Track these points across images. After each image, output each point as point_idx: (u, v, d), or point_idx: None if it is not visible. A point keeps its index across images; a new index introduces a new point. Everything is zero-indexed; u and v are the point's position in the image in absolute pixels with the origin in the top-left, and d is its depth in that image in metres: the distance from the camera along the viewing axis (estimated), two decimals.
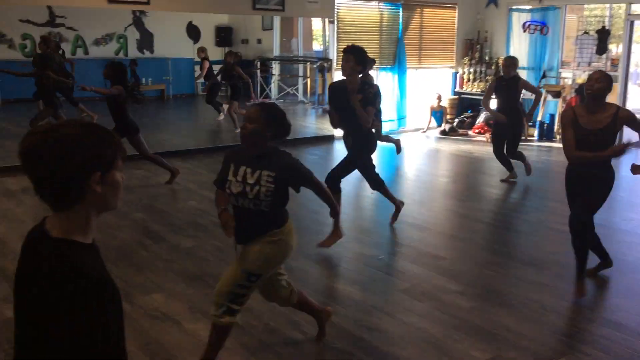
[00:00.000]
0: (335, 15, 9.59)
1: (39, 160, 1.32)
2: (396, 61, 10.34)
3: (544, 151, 9.45)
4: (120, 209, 5.03)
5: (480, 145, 9.83)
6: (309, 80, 14.52)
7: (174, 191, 6.43)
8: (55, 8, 13.26)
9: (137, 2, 8.59)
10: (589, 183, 4.08)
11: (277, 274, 3.11)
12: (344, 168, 5.10)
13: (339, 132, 10.09)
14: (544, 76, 10.26)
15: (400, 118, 10.64)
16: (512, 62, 6.97)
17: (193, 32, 15.07)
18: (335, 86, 5.02)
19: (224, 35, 15.89)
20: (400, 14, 10.24)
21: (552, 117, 10.17)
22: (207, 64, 12.20)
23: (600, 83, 3.90)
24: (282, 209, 3.04)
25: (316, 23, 15.61)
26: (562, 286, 4.19)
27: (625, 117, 4.00)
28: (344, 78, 4.71)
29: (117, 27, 14.35)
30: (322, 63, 13.70)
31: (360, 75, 4.77)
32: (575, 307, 3.87)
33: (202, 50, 12.22)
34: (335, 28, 9.69)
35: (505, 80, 7.00)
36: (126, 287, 3.94)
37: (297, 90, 14.70)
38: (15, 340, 1.48)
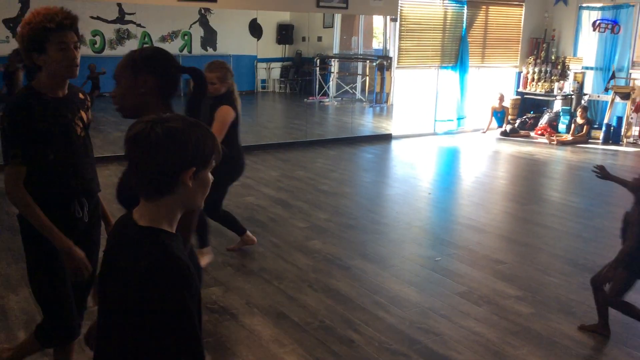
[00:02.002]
0: (399, 12, 9.52)
1: (144, 147, 1.37)
2: (458, 59, 10.16)
3: (609, 155, 9.09)
4: None
5: (541, 147, 9.55)
6: (367, 78, 14.47)
7: (232, 187, 6.53)
8: (125, 5, 13.72)
9: (205, 0, 8.80)
10: None
11: None
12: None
13: (396, 131, 10.09)
14: (613, 77, 9.86)
15: (460, 118, 10.46)
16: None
17: (256, 29, 15.29)
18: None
19: (284, 32, 16.04)
20: (465, 11, 10.06)
21: (620, 119, 9.76)
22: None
23: None
24: None
25: (377, 21, 15.53)
26: (627, 295, 4.03)
27: None
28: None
29: (182, 25, 14.72)
30: (382, 61, 13.64)
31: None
32: None
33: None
34: (398, 26, 9.61)
35: None
36: None
37: (355, 88, 14.68)
38: (99, 330, 1.53)
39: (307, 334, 3.43)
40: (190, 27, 14.85)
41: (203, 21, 14.96)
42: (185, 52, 14.83)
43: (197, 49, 15.05)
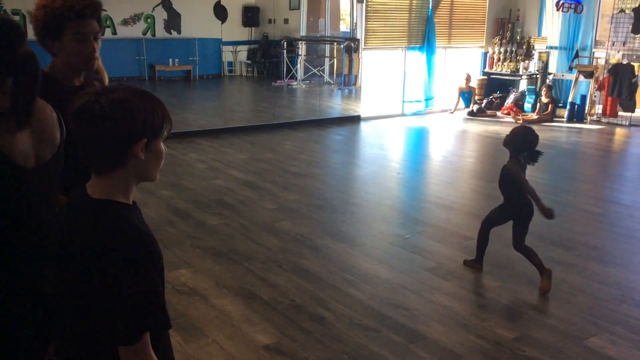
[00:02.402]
0: None
1: (89, 121, 1.32)
2: (425, 40, 10.18)
3: (574, 132, 9.26)
4: (147, 186, 5.06)
5: (508, 126, 9.64)
6: (335, 60, 14.42)
7: (199, 170, 6.47)
8: None
9: None
10: None
11: None
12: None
13: (365, 113, 10.09)
14: (576, 56, 10.01)
15: (428, 99, 10.51)
16: None
17: (220, 12, 15.06)
18: None
19: (250, 15, 15.85)
20: None
21: (584, 98, 9.94)
22: None
23: None
24: None
25: (344, 2, 15.46)
26: (591, 267, 4.13)
27: None
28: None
29: (145, 7, 14.42)
30: (349, 43, 13.59)
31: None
32: (604, 288, 3.80)
33: None
34: (364, 7, 9.57)
35: None
36: None
37: (323, 71, 14.62)
38: (59, 312, 1.49)
39: (278, 312, 3.42)
40: (153, 9, 14.55)
41: (166, 4, 14.67)
42: (148, 35, 14.56)
43: (160, 32, 14.77)
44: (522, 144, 3.94)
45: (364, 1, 9.53)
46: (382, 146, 8.33)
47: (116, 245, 1.30)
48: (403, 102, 10.35)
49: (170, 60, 14.67)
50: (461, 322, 3.36)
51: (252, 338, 3.14)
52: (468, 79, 10.55)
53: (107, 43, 10.67)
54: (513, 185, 3.91)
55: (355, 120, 9.90)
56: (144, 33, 14.53)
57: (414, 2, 10.00)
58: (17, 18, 12.90)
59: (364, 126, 9.59)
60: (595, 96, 9.86)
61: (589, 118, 9.86)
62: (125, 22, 14.24)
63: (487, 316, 3.44)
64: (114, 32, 14.09)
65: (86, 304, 1.36)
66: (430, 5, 10.09)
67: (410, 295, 3.67)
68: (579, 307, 3.56)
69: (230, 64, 15.99)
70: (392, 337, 3.18)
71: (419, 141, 9.13)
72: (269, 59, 15.87)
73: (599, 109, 9.97)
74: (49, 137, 1.74)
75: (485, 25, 10.97)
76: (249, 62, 16.24)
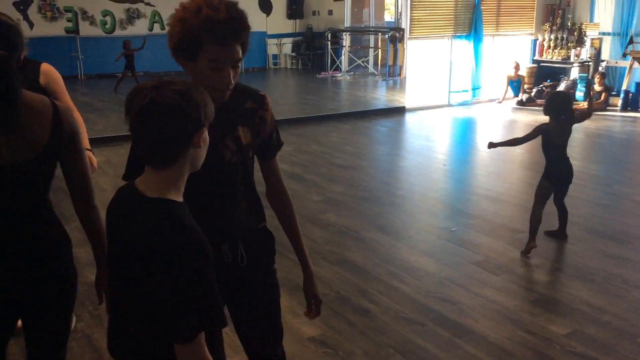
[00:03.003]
0: None
1: (161, 112, 1.33)
2: (472, 29, 9.98)
3: (628, 122, 8.92)
4: None
5: None
6: (380, 51, 14.30)
7: None
8: None
9: None
10: None
11: None
12: None
13: (410, 104, 9.98)
14: (630, 42, 9.63)
15: (475, 88, 10.31)
16: None
17: (265, 5, 15.14)
18: None
19: (295, 7, 15.87)
20: None
21: (638, 85, 9.55)
22: None
23: None
24: None
25: None
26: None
27: None
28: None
29: None
30: (394, 33, 13.46)
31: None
32: None
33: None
34: None
35: None
36: None
37: (367, 62, 14.53)
38: (115, 311, 1.54)
39: (323, 305, 3.41)
40: None
41: None
42: None
43: None
44: (560, 106, 4.09)
45: None
46: (427, 137, 8.22)
47: (174, 247, 1.31)
48: (449, 92, 10.18)
49: None
50: (510, 317, 3.29)
51: (297, 329, 3.16)
52: (517, 67, 10.29)
53: (156, 38, 11.00)
54: (548, 145, 4.16)
55: (401, 111, 9.80)
56: None
57: None
58: (69, 15, 13.32)
59: (409, 117, 9.49)
60: None
61: None
62: None
63: (538, 311, 3.36)
64: (162, 28, 14.36)
65: (144, 304, 1.38)
66: None
67: (457, 289, 3.61)
68: (634, 302, 3.44)
69: (275, 56, 16.08)
70: (438, 331, 3.15)
71: (465, 132, 8.97)
72: (314, 51, 15.89)
73: None
74: (30, 137, 1.68)
75: (535, 12, 10.67)
76: (293, 54, 16.30)
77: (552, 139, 4.09)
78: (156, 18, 14.26)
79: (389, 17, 16.24)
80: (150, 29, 14.07)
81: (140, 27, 13.92)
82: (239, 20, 1.64)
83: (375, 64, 14.50)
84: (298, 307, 3.38)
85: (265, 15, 14.89)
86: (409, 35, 9.68)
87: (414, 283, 3.70)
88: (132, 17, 14.01)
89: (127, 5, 13.82)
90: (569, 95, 4.27)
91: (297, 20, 15.97)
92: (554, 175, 4.13)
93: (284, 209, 2.07)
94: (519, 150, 7.47)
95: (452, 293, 3.57)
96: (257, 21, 14.82)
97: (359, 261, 4.01)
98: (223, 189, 1.80)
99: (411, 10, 9.48)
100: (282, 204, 2.05)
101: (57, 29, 13.16)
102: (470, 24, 9.97)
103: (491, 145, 4.26)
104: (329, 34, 14.86)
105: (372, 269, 3.89)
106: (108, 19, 13.80)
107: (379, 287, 3.63)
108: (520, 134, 8.43)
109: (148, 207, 1.37)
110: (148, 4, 14.09)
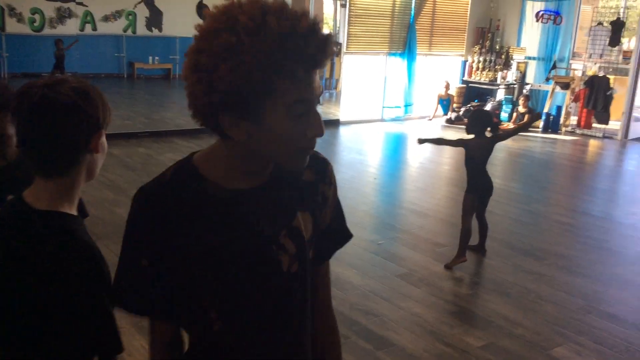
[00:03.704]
0: None
1: (55, 111, 1.19)
2: (406, 47, 10.25)
3: (548, 143, 9.39)
4: (119, 185, 5.02)
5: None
6: None
7: None
8: None
9: None
10: None
11: None
12: None
13: (344, 117, 10.11)
14: (554, 67, 10.18)
15: (408, 105, 10.58)
16: None
17: (203, 11, 15.00)
18: None
19: None
20: None
21: (559, 109, 10.09)
22: None
23: None
24: None
25: (328, 7, 15.49)
26: (560, 277, 4.19)
27: None
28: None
29: (126, 4, 14.29)
30: None
31: None
32: (572, 298, 3.86)
33: None
34: (347, 12, 9.61)
35: None
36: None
37: None
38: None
39: None
40: (135, 6, 14.44)
41: (148, 1, 14.57)
42: (129, 32, 14.44)
43: (142, 30, 14.67)
44: (480, 123, 4.29)
45: (347, 5, 9.57)
46: (360, 151, 8.36)
47: (66, 265, 1.19)
48: (383, 107, 10.40)
49: (150, 58, 14.58)
50: (429, 329, 3.38)
51: None
52: (447, 86, 10.64)
53: (86, 39, 10.68)
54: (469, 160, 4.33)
55: (335, 124, 9.91)
56: (125, 30, 14.39)
57: (397, 8, 10.08)
58: (36, 17, 12.75)
59: (343, 130, 9.62)
60: (570, 107, 10.02)
61: (563, 129, 10.01)
62: (106, 19, 14.09)
63: (456, 324, 3.47)
64: (94, 28, 13.95)
65: (29, 327, 1.23)
66: (413, 12, 10.17)
67: (381, 302, 3.68)
68: (546, 316, 3.61)
69: None
70: (360, 343, 3.19)
71: (396, 147, 9.18)
72: None
73: (574, 120, 10.12)
74: None
75: (466, 34, 11.08)
76: None
77: (473, 155, 4.27)
78: (88, 18, 13.84)
79: (327, 31, 16.45)
80: (82, 29, 13.64)
81: (70, 27, 13.47)
82: (323, 28, 1.02)
83: None
84: None
85: (202, 20, 14.72)
86: (346, 50, 9.84)
87: (340, 295, 3.73)
88: (63, 16, 13.54)
89: (58, 4, 13.33)
90: (488, 112, 4.47)
91: None
92: (476, 188, 4.31)
93: (331, 349, 1.33)
94: (445, 167, 7.73)
95: (376, 306, 3.63)
96: (194, 27, 14.64)
97: None
98: (282, 315, 1.12)
99: (349, 25, 9.65)
100: (330, 340, 1.33)
101: None
102: (404, 43, 10.24)
103: (420, 141, 4.48)
104: None
105: None
106: (37, 16, 13.27)
107: None
108: (450, 150, 8.74)
109: (36, 220, 1.21)
110: (80, 3, 13.66)
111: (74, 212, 1.29)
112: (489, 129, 4.30)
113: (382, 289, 3.87)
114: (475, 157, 4.26)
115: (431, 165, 7.69)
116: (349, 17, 9.62)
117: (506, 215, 5.61)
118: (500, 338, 3.32)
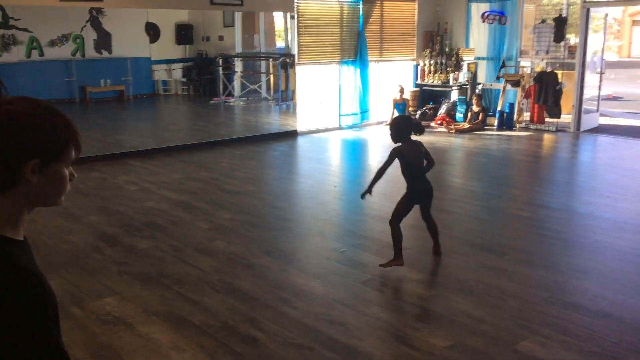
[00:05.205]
0: (295, 9, 9.52)
1: None
2: (357, 55, 10.31)
3: (504, 140, 9.54)
4: (73, 212, 4.86)
5: (441, 136, 9.87)
6: (272, 76, 14.39)
7: (130, 192, 6.28)
8: (8, 9, 12.86)
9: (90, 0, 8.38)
10: None
11: None
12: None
13: (302, 127, 10.08)
14: (503, 65, 10.36)
15: (364, 111, 10.62)
16: None
17: (152, 31, 14.81)
18: None
19: (184, 33, 15.64)
20: (361, 7, 10.21)
21: (512, 106, 10.27)
22: None
23: None
24: None
25: (278, 19, 15.50)
26: (521, 271, 4.21)
27: None
28: None
29: (73, 28, 14.00)
30: (285, 59, 13.61)
31: None
32: (534, 290, 3.88)
33: None
34: (296, 23, 9.61)
35: None
36: (77, 292, 3.81)
37: (260, 87, 14.57)
38: None
39: (209, 336, 3.31)
40: (82, 29, 14.15)
41: (95, 23, 14.28)
42: (78, 55, 14.13)
43: (91, 52, 14.36)
44: (404, 129, 4.28)
45: (295, 17, 9.57)
46: (319, 160, 8.33)
47: (6, 295, 1.13)
48: (340, 115, 10.42)
49: (102, 80, 14.30)
50: (394, 334, 3.34)
51: None
52: (401, 91, 10.72)
53: (34, 65, 10.35)
54: (407, 166, 4.35)
55: (293, 135, 9.88)
56: (74, 54, 14.07)
57: (345, 17, 10.13)
58: None
59: (301, 141, 9.59)
60: (522, 104, 10.21)
61: (517, 125, 10.18)
62: (52, 43, 13.76)
63: (420, 326, 3.44)
64: (41, 54, 13.60)
65: None
66: (361, 20, 10.24)
67: (345, 310, 3.63)
68: (510, 311, 3.61)
69: (164, 82, 15.73)
70: (326, 354, 3.13)
71: (355, 153, 9.19)
72: (205, 76, 15.71)
73: (527, 116, 10.32)
74: None
75: (416, 38, 11.20)
76: (184, 80, 16.02)
77: (409, 160, 4.26)
78: (34, 44, 13.49)
79: (281, 43, 16.44)
80: (28, 56, 13.29)
81: (17, 54, 13.11)
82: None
83: (268, 89, 14.57)
84: (182, 342, 3.25)
85: (148, 40, 14.56)
86: (297, 60, 9.83)
87: (303, 307, 3.67)
88: (7, 43, 13.17)
89: (1, 31, 12.98)
90: (406, 117, 4.53)
91: (188, 45, 15.75)
92: (416, 194, 4.33)
93: None
94: None
95: (340, 314, 3.58)
96: (144, 47, 14.46)
97: (248, 288, 3.93)
98: None
99: (298, 36, 9.65)
100: None
101: None
102: (355, 50, 10.29)
103: (363, 195, 4.37)
104: (220, 59, 14.77)
105: (261, 296, 3.82)
106: None
107: (268, 314, 3.57)
108: None
109: None
110: (25, 29, 13.32)
111: (18, 236, 1.24)
112: (412, 132, 4.28)
113: (346, 296, 3.82)
114: (412, 162, 4.25)
115: (390, 170, 7.67)
116: (298, 27, 9.64)
117: (465, 213, 5.64)
118: (466, 336, 3.30)
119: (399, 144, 4.26)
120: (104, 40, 14.54)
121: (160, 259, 4.44)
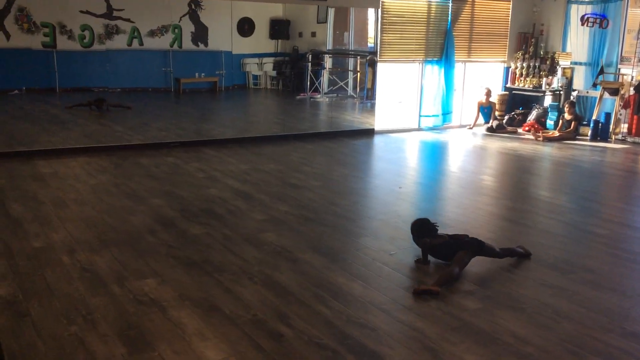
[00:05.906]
0: (380, 5, 9.35)
1: None
2: (443, 54, 9.97)
3: (596, 151, 8.88)
4: (140, 194, 5.06)
5: (528, 143, 9.35)
6: (358, 74, 14.29)
7: (197, 179, 6.40)
8: (112, 0, 13.62)
9: None
10: None
11: None
12: None
13: (380, 126, 9.91)
14: (601, 72, 9.64)
15: (446, 113, 10.27)
16: None
17: (247, 25, 15.14)
18: None
19: (277, 28, 15.88)
20: (450, 5, 9.87)
21: (608, 115, 9.54)
22: None
23: None
24: None
25: (371, 16, 15.37)
26: (583, 292, 3.85)
27: None
28: None
29: (172, 18, 14.61)
30: (372, 57, 13.46)
31: None
32: (593, 315, 3.53)
33: None
34: (380, 19, 9.44)
35: None
36: (122, 271, 3.91)
37: (347, 84, 14.51)
38: None
39: (236, 327, 3.27)
40: (180, 20, 14.71)
41: (193, 16, 14.81)
42: (175, 46, 14.72)
43: (187, 44, 14.90)
44: (420, 231, 4.40)
45: (380, 12, 9.40)
46: (391, 160, 8.13)
47: None
48: (420, 116, 10.14)
49: (197, 73, 14.82)
50: (427, 345, 3.14)
51: (200, 353, 2.99)
52: (488, 94, 10.28)
53: (134, 53, 10.92)
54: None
55: (369, 133, 9.74)
56: (172, 45, 14.67)
57: (432, 15, 9.82)
58: (46, 30, 13.23)
59: (377, 140, 9.42)
60: (620, 114, 9.46)
61: (613, 137, 9.45)
62: (152, 34, 14.42)
63: (458, 340, 3.21)
64: (141, 43, 14.29)
65: None
66: (450, 18, 9.89)
67: (380, 315, 3.47)
68: (561, 334, 3.30)
69: (255, 77, 16.04)
70: (348, 358, 2.99)
71: (431, 156, 8.89)
72: (296, 71, 15.86)
73: (624, 127, 9.55)
74: None
75: (508, 40, 10.68)
76: (274, 75, 16.27)
77: (440, 251, 4.27)
78: (135, 33, 14.20)
79: (371, 41, 16.30)
80: (129, 44, 14.01)
81: (119, 43, 13.86)
82: None
83: (355, 86, 14.48)
84: (208, 329, 3.23)
85: (246, 36, 14.90)
86: (379, 58, 9.66)
87: (338, 307, 3.55)
88: (111, 32, 13.95)
89: (106, 21, 13.77)
90: (424, 220, 4.48)
91: (280, 40, 15.96)
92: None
93: None
94: (481, 176, 7.40)
95: (373, 318, 3.42)
96: (238, 41, 14.82)
97: (286, 283, 3.86)
98: None
99: (381, 33, 9.47)
100: None
101: (34, 41, 13.07)
102: (441, 49, 9.96)
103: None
104: (310, 55, 14.86)
105: (298, 292, 3.74)
106: (87, 33, 13.73)
107: (300, 311, 3.48)
108: (488, 160, 8.43)
109: None
110: (128, 20, 14.05)
111: None
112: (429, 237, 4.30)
113: (384, 300, 3.65)
114: (441, 252, 4.27)
115: (463, 175, 7.37)
116: (382, 24, 9.44)
117: (534, 226, 5.27)
118: (504, 357, 3.05)
119: (431, 239, 4.31)
120: (201, 33, 15.04)
121: (208, 246, 4.47)
